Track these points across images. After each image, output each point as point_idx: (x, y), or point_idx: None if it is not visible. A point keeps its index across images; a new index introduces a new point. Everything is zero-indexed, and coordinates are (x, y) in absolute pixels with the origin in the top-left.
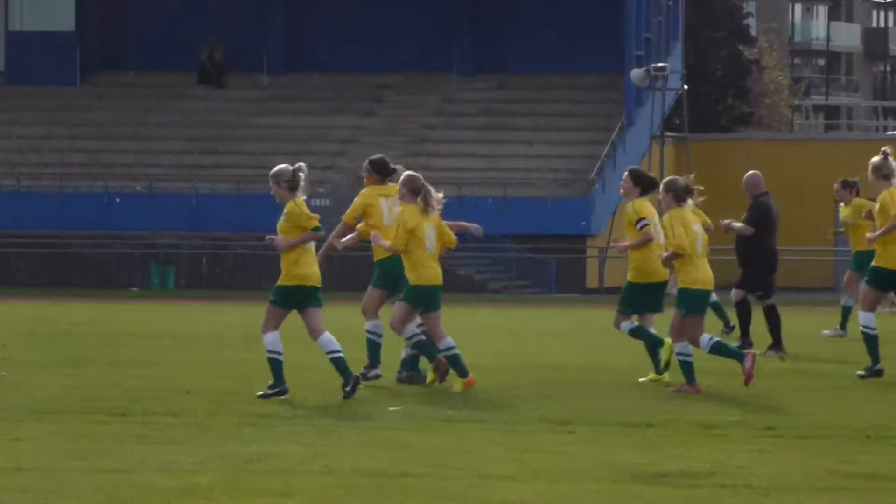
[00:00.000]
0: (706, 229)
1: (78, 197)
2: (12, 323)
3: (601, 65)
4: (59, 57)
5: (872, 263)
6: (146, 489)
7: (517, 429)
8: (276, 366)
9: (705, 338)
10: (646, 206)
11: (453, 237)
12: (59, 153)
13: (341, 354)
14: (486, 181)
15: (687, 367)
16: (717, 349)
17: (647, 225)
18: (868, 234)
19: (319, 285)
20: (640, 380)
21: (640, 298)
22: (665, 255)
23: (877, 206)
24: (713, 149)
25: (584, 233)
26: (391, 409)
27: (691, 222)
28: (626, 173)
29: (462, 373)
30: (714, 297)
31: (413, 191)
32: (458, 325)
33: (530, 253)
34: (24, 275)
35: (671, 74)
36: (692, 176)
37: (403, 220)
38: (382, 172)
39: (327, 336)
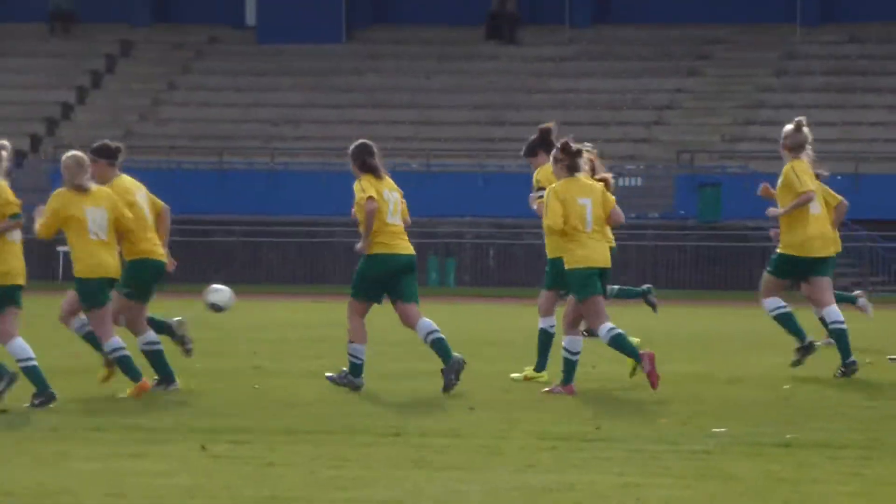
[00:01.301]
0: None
1: (343, 177)
2: (262, 327)
3: None
4: (321, 9)
5: (777, 250)
6: None
7: (873, 455)
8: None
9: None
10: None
11: None
12: (322, 125)
13: (34, 363)
14: (836, 155)
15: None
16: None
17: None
18: (770, 210)
19: (23, 283)
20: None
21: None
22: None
23: (779, 180)
24: None
25: None
26: (715, 430)
27: (577, 195)
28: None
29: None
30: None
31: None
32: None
33: (887, 242)
34: (279, 270)
35: None
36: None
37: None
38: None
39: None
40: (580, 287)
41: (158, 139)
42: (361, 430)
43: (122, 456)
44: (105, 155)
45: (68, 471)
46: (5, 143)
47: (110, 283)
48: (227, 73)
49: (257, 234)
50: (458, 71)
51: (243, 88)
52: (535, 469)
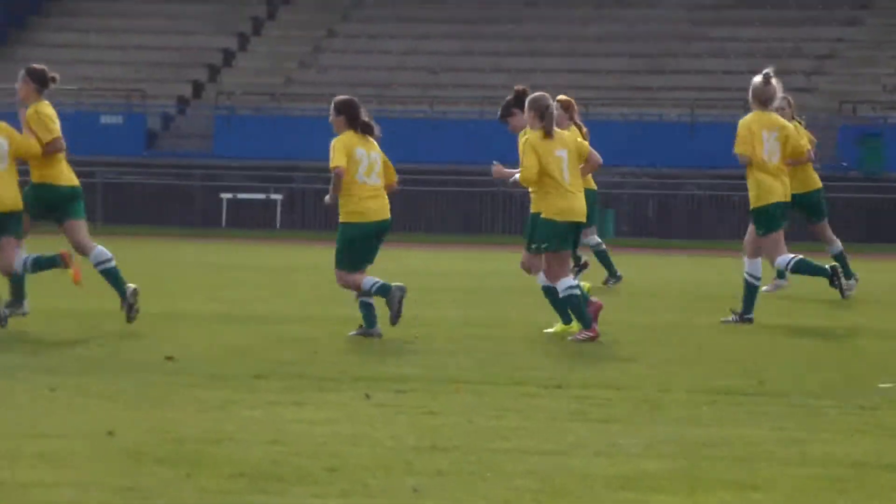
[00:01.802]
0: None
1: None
2: (413, 274)
3: None
4: None
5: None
6: (584, 476)
7: None
8: None
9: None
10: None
11: None
12: (479, 73)
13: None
14: None
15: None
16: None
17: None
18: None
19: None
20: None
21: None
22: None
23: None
24: None
25: None
26: (881, 385)
27: (554, 148)
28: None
29: None
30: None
31: None
32: None
33: None
34: (436, 220)
35: None
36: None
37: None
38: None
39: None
40: (554, 239)
41: (319, 87)
42: (523, 381)
43: (285, 404)
44: (36, 79)
45: (232, 418)
46: None
47: (9, 216)
48: (385, 21)
49: (416, 183)
50: (616, 18)
51: (401, 36)
52: (695, 423)
